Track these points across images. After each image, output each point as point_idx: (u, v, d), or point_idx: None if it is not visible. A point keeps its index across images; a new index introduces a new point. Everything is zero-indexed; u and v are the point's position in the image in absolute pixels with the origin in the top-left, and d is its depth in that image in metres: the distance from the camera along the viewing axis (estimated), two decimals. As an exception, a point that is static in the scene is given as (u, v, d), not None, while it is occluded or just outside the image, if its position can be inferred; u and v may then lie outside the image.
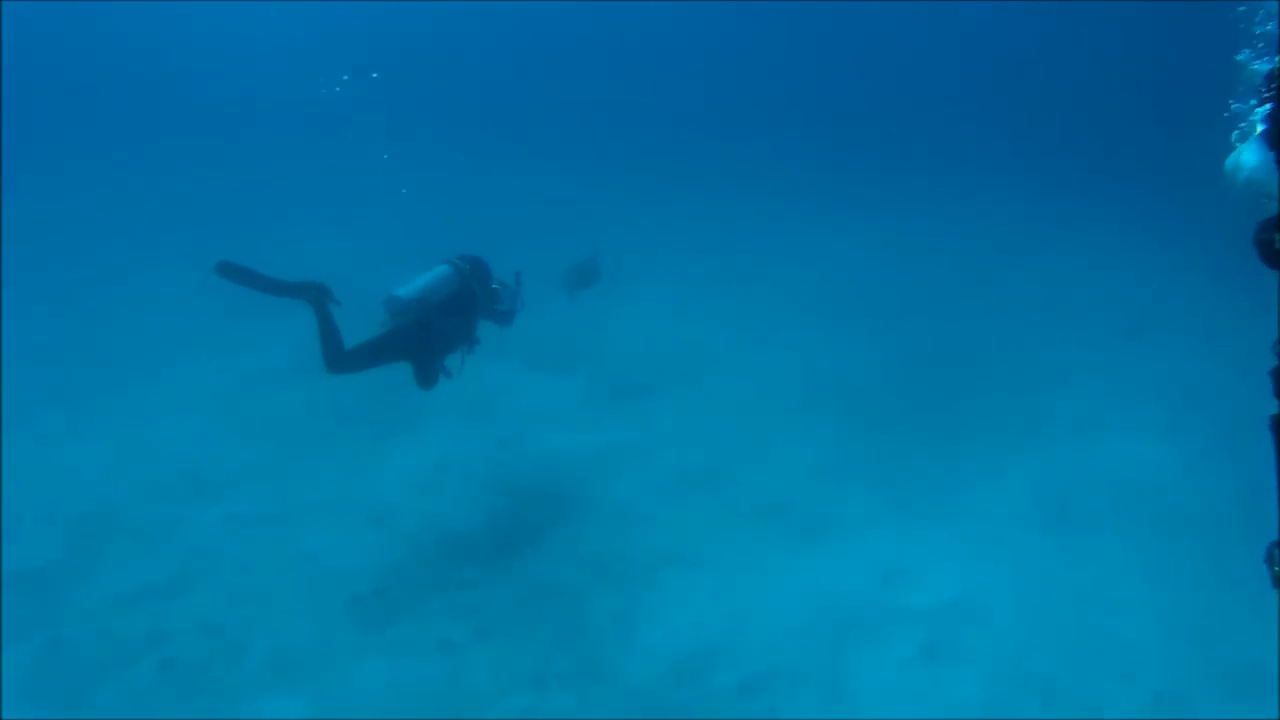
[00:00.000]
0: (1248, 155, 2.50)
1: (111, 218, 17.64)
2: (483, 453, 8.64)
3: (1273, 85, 2.27)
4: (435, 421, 9.14)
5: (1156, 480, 8.25)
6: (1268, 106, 2.29)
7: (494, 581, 6.76)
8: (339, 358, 6.18)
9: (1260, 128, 2.39)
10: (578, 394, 9.95)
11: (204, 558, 7.01)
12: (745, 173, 19.91)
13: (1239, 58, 2.92)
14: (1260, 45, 3.04)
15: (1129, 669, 6.05)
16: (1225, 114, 2.94)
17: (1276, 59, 2.34)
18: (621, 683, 5.85)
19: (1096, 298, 12.68)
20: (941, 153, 20.73)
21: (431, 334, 6.43)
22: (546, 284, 9.08)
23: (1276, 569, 2.40)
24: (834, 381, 10.29)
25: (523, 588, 6.67)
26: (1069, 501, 7.93)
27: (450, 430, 9.02)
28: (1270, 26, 3.16)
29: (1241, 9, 3.33)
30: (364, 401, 9.45)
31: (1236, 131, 2.80)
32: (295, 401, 9.59)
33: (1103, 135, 20.96)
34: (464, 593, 6.62)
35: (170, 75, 29.85)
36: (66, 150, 22.97)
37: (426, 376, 6.56)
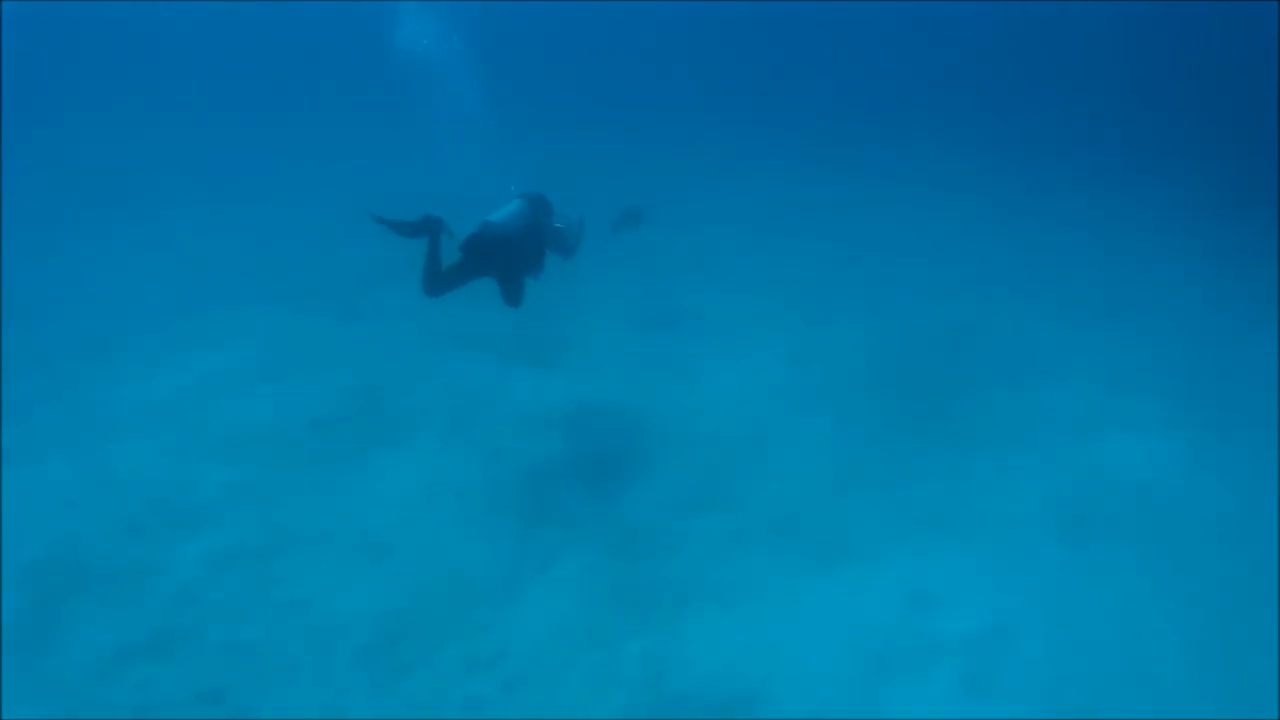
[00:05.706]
0: None
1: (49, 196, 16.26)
2: (475, 466, 8.14)
3: None
4: (419, 431, 8.59)
5: (1163, 478, 8.19)
6: None
7: (511, 622, 6.37)
8: (437, 282, 6.65)
9: None
10: (565, 392, 9.46)
11: (190, 606, 6.43)
12: (728, 160, 19.16)
13: None
14: None
15: (1166, 698, 5.99)
16: None
17: None
18: (661, 739, 5.57)
19: (1070, 277, 12.57)
20: (909, 125, 20.36)
21: (515, 252, 6.89)
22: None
23: None
24: (822, 378, 9.98)
25: (543, 630, 6.30)
26: (1081, 506, 7.82)
27: (437, 441, 8.48)
28: None
29: None
30: (340, 408, 8.85)
31: None
32: (265, 409, 8.90)
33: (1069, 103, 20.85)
34: (481, 638, 6.22)
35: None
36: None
37: (515, 294, 6.97)
